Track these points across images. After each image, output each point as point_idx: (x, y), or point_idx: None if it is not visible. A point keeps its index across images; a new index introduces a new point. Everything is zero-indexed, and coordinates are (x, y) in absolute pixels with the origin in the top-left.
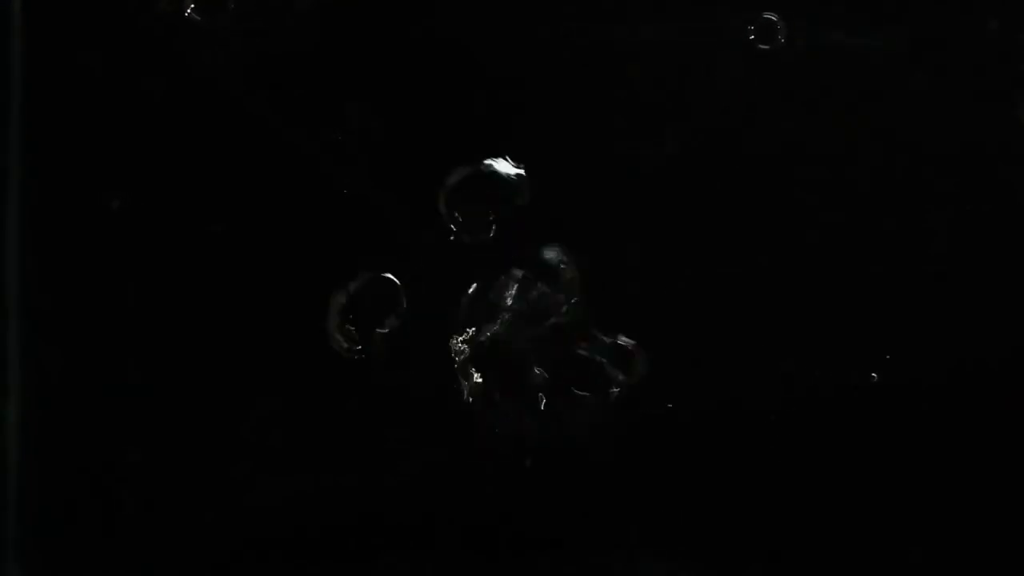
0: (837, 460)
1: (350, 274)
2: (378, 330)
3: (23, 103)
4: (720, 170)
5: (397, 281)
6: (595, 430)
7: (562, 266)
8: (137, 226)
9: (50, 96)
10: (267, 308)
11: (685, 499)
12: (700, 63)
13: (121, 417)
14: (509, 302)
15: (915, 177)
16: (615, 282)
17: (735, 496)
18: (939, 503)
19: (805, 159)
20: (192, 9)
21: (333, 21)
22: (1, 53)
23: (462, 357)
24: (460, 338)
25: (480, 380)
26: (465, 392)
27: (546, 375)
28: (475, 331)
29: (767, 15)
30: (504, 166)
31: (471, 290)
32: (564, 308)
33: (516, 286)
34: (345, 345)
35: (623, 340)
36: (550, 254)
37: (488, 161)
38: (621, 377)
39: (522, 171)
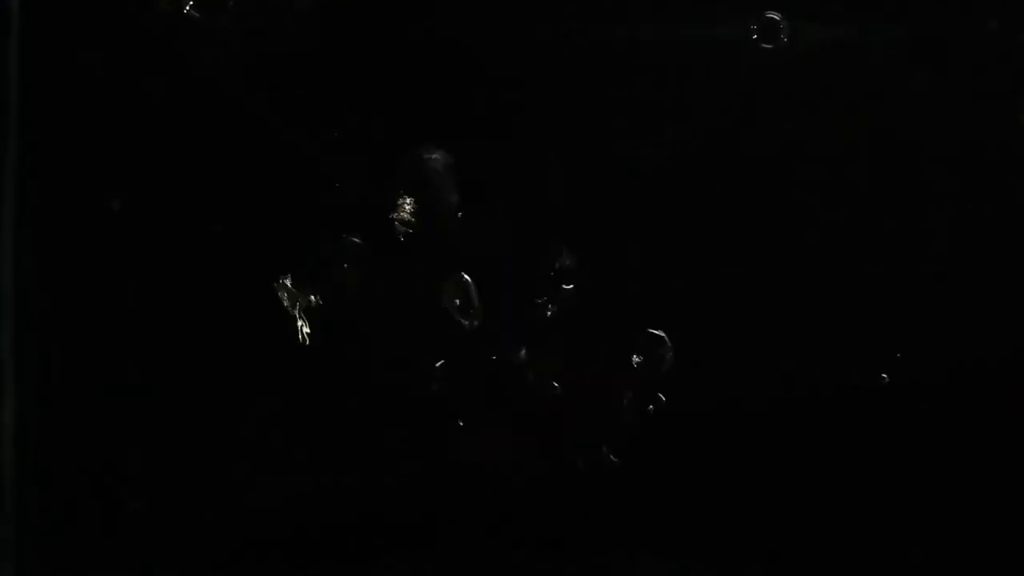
0: (837, 460)
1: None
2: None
3: (22, 103)
4: (720, 170)
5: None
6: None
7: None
8: (137, 226)
9: (49, 96)
10: (267, 308)
11: (685, 499)
12: (700, 63)
13: (121, 417)
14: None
15: (915, 177)
16: (615, 282)
17: (735, 496)
18: (939, 503)
19: (805, 159)
20: (191, 6)
21: (333, 21)
22: (0, 53)
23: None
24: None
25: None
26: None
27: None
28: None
29: (770, 14)
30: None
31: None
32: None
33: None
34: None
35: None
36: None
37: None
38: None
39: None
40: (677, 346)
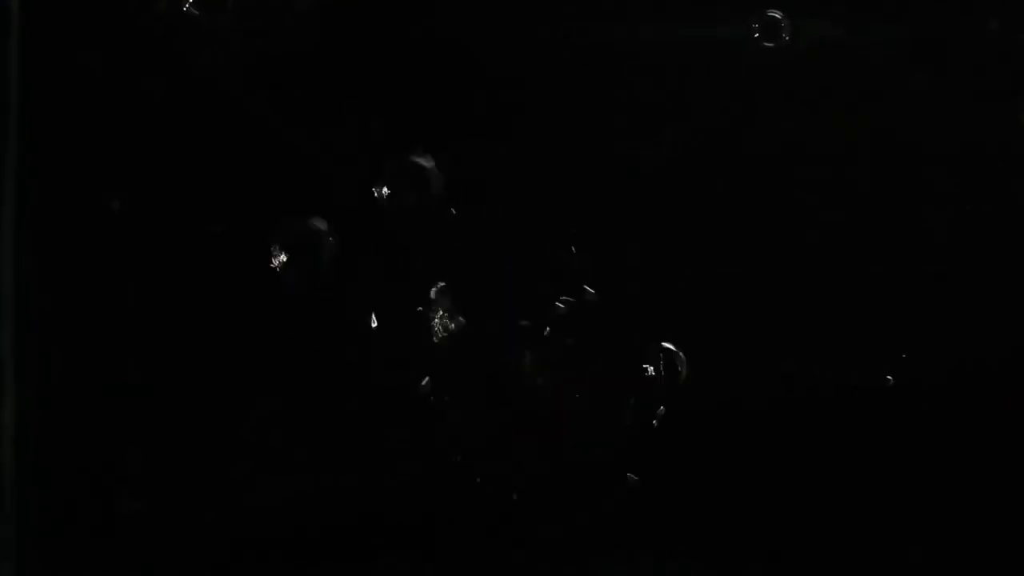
0: (837, 460)
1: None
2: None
3: (22, 103)
4: (720, 170)
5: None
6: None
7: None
8: (137, 226)
9: (49, 96)
10: (267, 308)
11: (685, 499)
12: (700, 63)
13: (121, 417)
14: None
15: (915, 177)
16: (615, 282)
17: (735, 496)
18: (939, 503)
19: (805, 159)
20: (191, 6)
21: (333, 21)
22: (0, 53)
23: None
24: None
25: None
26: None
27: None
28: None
29: (771, 12)
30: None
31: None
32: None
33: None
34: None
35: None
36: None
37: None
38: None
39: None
40: (677, 346)
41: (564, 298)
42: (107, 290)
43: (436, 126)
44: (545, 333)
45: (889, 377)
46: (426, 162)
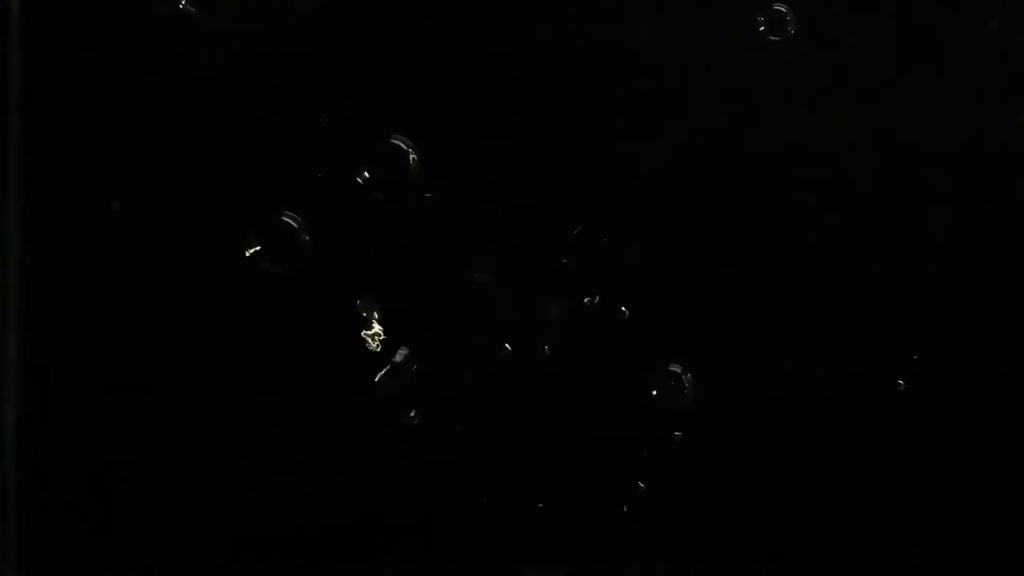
0: (837, 460)
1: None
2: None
3: (23, 103)
4: (720, 170)
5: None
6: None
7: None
8: (137, 226)
9: (50, 96)
10: (267, 308)
11: (685, 499)
12: (700, 63)
13: (121, 417)
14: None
15: (915, 177)
16: (615, 282)
17: (735, 496)
18: (939, 503)
19: (805, 159)
20: (186, 2)
21: (333, 21)
22: (0, 53)
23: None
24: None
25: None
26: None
27: None
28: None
29: (776, 6)
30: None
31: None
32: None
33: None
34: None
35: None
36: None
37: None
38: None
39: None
40: (677, 346)
41: (564, 298)
42: (107, 290)
43: (436, 126)
44: (545, 333)
45: (901, 382)
46: (405, 145)
